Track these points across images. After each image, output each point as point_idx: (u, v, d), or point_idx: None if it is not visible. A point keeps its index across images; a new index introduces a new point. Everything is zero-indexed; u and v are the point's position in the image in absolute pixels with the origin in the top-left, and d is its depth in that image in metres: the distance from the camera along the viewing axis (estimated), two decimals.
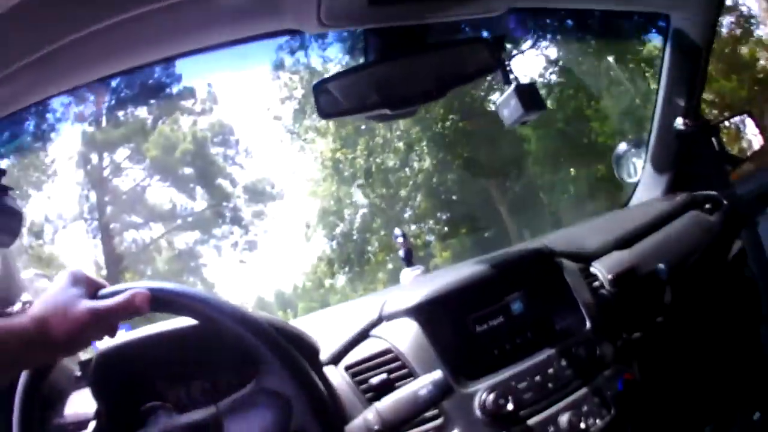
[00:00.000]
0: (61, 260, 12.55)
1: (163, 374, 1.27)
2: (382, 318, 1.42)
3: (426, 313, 1.40)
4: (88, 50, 1.20)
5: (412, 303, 1.41)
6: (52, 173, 12.86)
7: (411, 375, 1.31)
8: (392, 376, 1.30)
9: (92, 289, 1.03)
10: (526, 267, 1.58)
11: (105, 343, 1.20)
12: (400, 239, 1.85)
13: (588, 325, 1.48)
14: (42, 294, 0.98)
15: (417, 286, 1.57)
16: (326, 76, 1.44)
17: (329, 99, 1.42)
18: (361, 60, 1.49)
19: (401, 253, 1.82)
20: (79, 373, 1.45)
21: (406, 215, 14.29)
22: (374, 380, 1.29)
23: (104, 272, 11.98)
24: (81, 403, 1.26)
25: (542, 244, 1.65)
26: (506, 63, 1.55)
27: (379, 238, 13.98)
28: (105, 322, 1.00)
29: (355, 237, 14.38)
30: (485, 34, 1.73)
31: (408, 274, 1.78)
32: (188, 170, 13.88)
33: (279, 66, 13.20)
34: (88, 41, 1.15)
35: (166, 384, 1.27)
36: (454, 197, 13.70)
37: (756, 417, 1.93)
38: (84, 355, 1.43)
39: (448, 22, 1.49)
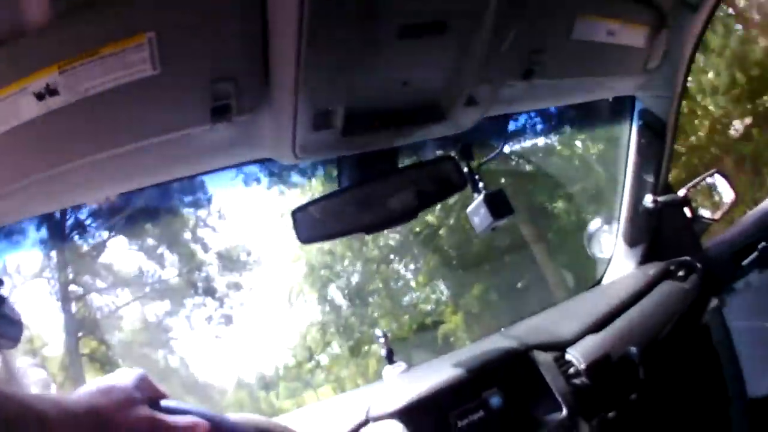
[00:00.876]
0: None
1: None
2: (368, 419, 1.52)
3: (410, 414, 1.50)
4: (86, 176, 1.32)
5: (397, 406, 1.51)
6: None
7: None
8: None
9: (152, 397, 1.00)
10: (502, 363, 1.67)
11: None
12: (381, 339, 1.93)
13: (564, 411, 1.57)
14: (92, 384, 0.95)
15: (401, 386, 1.67)
16: (301, 204, 1.55)
17: (306, 224, 1.54)
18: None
19: (383, 352, 1.91)
20: None
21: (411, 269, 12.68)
22: None
23: (62, 338, 10.89)
24: None
25: (517, 340, 1.74)
26: (473, 171, 1.66)
27: (381, 300, 12.48)
28: None
29: (350, 295, 12.75)
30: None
31: (390, 371, 1.86)
32: (156, 231, 12.56)
33: None
34: (86, 169, 1.26)
35: None
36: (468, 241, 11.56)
37: None
38: None
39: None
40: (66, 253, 11.11)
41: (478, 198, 1.66)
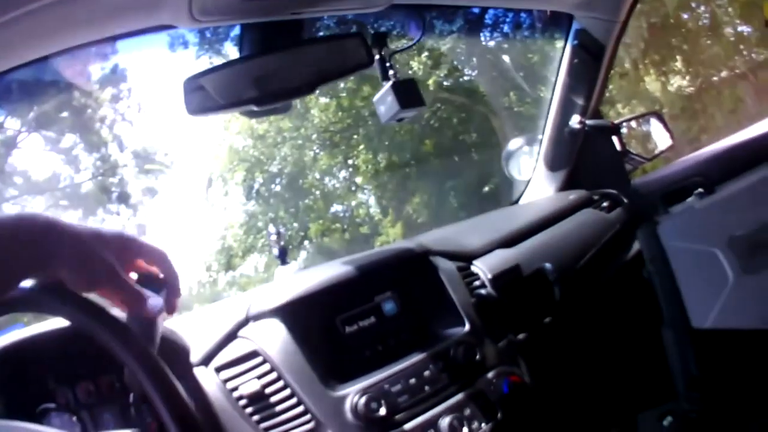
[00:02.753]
0: None
1: (55, 374, 1.26)
2: (249, 318, 1.40)
3: (292, 313, 1.38)
4: None
5: (277, 303, 1.39)
6: None
7: (280, 379, 1.30)
8: (262, 381, 1.29)
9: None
10: (398, 266, 1.57)
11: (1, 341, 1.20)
12: (274, 237, 1.87)
13: (467, 326, 1.47)
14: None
15: (285, 284, 1.54)
16: (196, 72, 1.41)
17: (200, 95, 1.40)
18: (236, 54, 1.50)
19: (275, 251, 1.83)
20: None
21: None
22: (246, 389, 1.27)
23: None
24: None
25: (416, 242, 1.64)
26: (385, 59, 1.57)
27: (314, 202, 11.11)
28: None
29: (283, 181, 11.20)
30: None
31: (283, 271, 1.77)
32: (72, 129, 11.46)
33: None
34: None
35: (56, 385, 1.26)
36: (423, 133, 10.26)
37: (666, 422, 1.93)
38: None
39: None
40: None
41: (387, 85, 1.57)
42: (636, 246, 1.99)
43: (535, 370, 1.52)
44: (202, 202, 12.07)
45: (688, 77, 9.06)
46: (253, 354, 1.32)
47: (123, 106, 11.74)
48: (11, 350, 1.20)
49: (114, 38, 1.45)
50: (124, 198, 12.04)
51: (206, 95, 1.40)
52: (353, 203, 11.56)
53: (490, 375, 1.42)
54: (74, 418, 1.25)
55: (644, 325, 1.90)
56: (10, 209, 10.96)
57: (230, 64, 1.45)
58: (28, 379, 1.23)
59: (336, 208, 11.59)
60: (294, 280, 1.54)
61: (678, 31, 8.87)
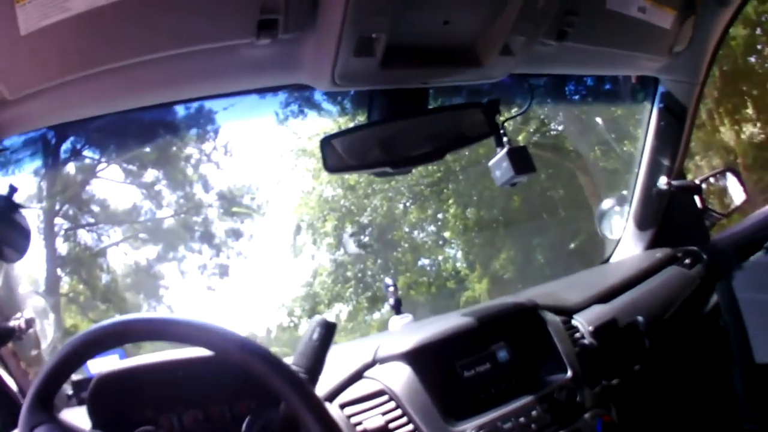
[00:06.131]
0: None
1: (157, 402, 1.37)
2: (376, 361, 1.59)
3: (418, 357, 1.57)
4: (116, 83, 1.36)
5: (405, 348, 1.58)
6: None
7: (404, 415, 1.48)
8: (387, 417, 1.47)
9: None
10: (511, 318, 1.76)
11: (104, 367, 1.32)
12: (391, 288, 2.01)
13: (569, 373, 1.66)
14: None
15: (408, 332, 1.75)
16: (332, 132, 1.62)
17: (335, 154, 1.61)
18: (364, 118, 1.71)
19: (391, 301, 1.98)
20: (71, 392, 1.58)
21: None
22: (370, 424, 1.45)
23: (43, 275, 9.56)
24: (72, 421, 1.23)
25: (526, 298, 1.83)
26: (500, 126, 1.74)
27: (402, 255, 11.15)
28: None
29: (373, 233, 11.26)
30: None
31: (397, 321, 1.96)
32: (155, 164, 11.35)
33: None
34: (120, 73, 1.30)
35: (160, 411, 1.37)
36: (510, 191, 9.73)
37: None
38: (76, 376, 1.51)
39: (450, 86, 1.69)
40: (57, 180, 10.13)
41: (502, 151, 1.74)
42: (714, 297, 2.19)
43: (623, 412, 1.72)
44: (288, 248, 11.85)
45: (759, 124, 9.00)
46: (380, 393, 1.51)
47: (209, 147, 11.54)
48: (116, 375, 1.32)
49: (246, 92, 1.67)
50: (207, 238, 11.79)
51: (344, 154, 1.61)
52: (440, 257, 11.45)
53: (587, 416, 1.62)
54: None
55: (716, 366, 2.10)
56: (86, 236, 10.81)
57: (361, 127, 1.67)
58: (129, 403, 1.34)
59: (423, 261, 11.38)
60: (418, 329, 1.75)
61: (747, 77, 8.82)
